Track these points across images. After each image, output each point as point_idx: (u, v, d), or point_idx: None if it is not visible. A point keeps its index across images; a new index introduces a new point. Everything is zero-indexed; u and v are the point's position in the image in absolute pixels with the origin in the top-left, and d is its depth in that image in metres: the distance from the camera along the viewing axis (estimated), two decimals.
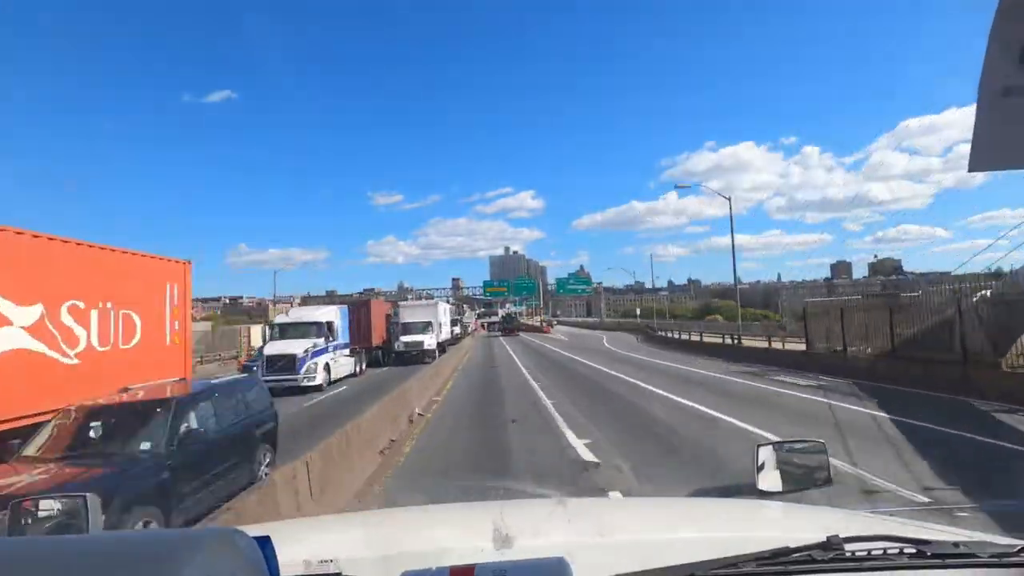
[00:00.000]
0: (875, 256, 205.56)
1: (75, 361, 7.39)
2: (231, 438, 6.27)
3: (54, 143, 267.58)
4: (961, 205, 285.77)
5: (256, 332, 30.43)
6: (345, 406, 14.16)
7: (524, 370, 22.51)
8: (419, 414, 12.86)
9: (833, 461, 8.62)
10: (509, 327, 64.30)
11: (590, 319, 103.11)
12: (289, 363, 16.85)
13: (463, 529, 1.80)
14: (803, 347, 21.86)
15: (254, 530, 0.96)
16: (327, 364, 18.25)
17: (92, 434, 5.43)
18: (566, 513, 1.92)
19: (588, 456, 8.24)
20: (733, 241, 27.45)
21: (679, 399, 13.17)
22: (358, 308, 25.33)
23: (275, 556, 0.77)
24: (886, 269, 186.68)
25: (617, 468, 7.56)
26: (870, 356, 16.66)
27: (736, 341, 26.65)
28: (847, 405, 11.76)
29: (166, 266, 9.33)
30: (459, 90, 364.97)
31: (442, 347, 30.52)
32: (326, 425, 10.79)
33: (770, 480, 1.97)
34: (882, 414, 10.76)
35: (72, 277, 7.54)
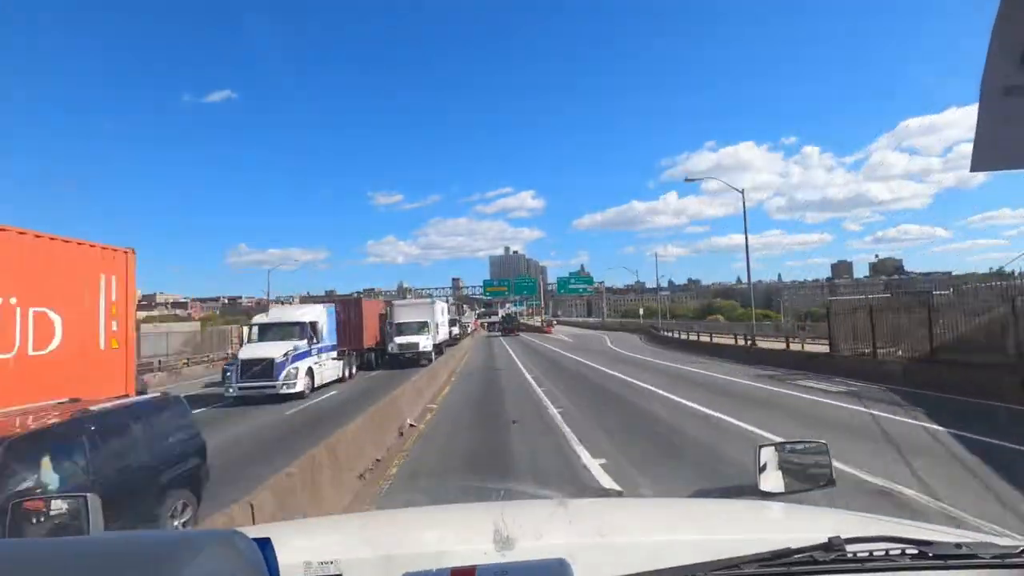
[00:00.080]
0: (876, 256, 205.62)
1: None
2: (118, 490, 4.34)
3: (54, 143, 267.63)
4: (961, 205, 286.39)
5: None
6: (328, 416, 12.80)
7: (526, 373, 21.22)
8: (411, 425, 11.52)
9: (905, 491, 6.56)
10: (509, 327, 63.73)
11: (591, 319, 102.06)
12: (266, 368, 15.13)
13: (464, 530, 1.78)
14: (825, 349, 20.60)
15: (254, 532, 1.00)
16: (310, 368, 16.65)
17: None
18: (567, 514, 1.90)
19: (612, 485, 6.88)
20: (747, 237, 26.12)
21: (706, 410, 11.73)
22: (348, 307, 23.76)
23: (275, 558, 0.78)
24: (888, 269, 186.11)
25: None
26: (903, 359, 15.32)
27: (750, 342, 25.25)
28: (892, 416, 10.45)
29: (100, 255, 7.81)
30: (459, 90, 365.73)
31: (439, 348, 28.90)
32: (299, 441, 9.44)
33: (772, 481, 1.96)
34: (937, 427, 9.44)
35: None
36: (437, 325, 28.65)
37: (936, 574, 1.08)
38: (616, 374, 19.57)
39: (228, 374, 15.56)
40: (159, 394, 5.93)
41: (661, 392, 14.49)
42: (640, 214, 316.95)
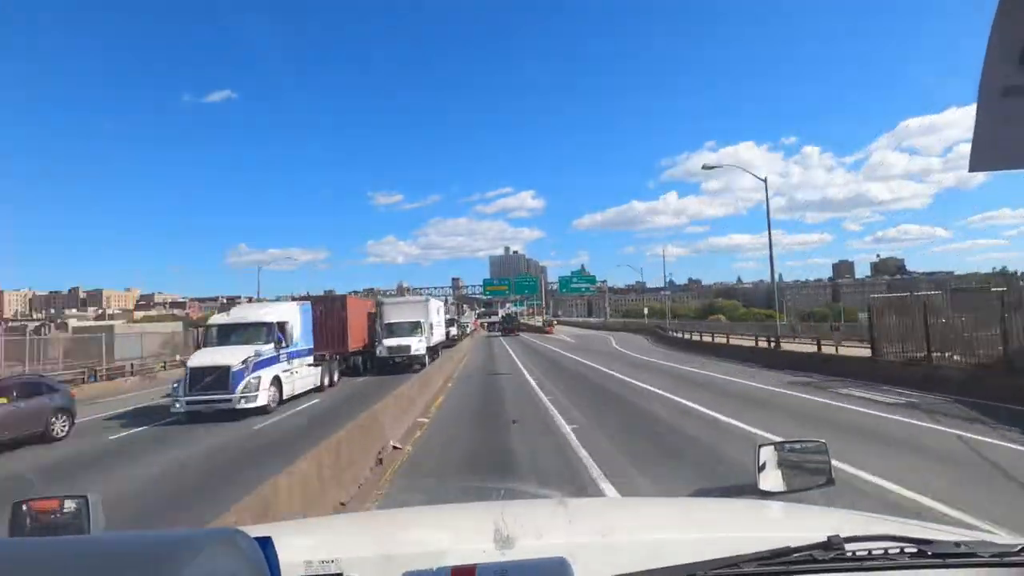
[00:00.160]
0: (877, 256, 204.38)
1: None
2: None
3: (54, 143, 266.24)
4: (961, 205, 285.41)
5: None
6: (290, 439, 10.54)
7: (530, 378, 19.16)
8: (395, 447, 9.47)
9: None
10: (509, 327, 63.46)
11: (592, 319, 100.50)
12: (221, 378, 12.68)
13: (464, 529, 1.77)
14: (860, 352, 18.58)
15: (255, 530, 0.97)
16: (277, 378, 14.12)
17: None
18: (567, 513, 1.91)
19: None
20: (770, 229, 23.97)
21: (750, 428, 9.64)
22: (329, 306, 21.14)
23: (276, 556, 0.77)
24: (889, 269, 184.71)
25: None
26: (968, 366, 13.24)
27: (774, 344, 23.15)
28: (986, 438, 8.42)
29: None
30: (459, 90, 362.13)
31: (435, 351, 26.65)
32: (227, 488, 7.27)
33: (771, 480, 1.95)
34: None
35: None
36: (432, 325, 26.08)
37: (936, 572, 1.07)
38: (634, 381, 17.35)
39: (175, 386, 13.16)
40: None
41: (692, 405, 12.34)
42: (640, 214, 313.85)
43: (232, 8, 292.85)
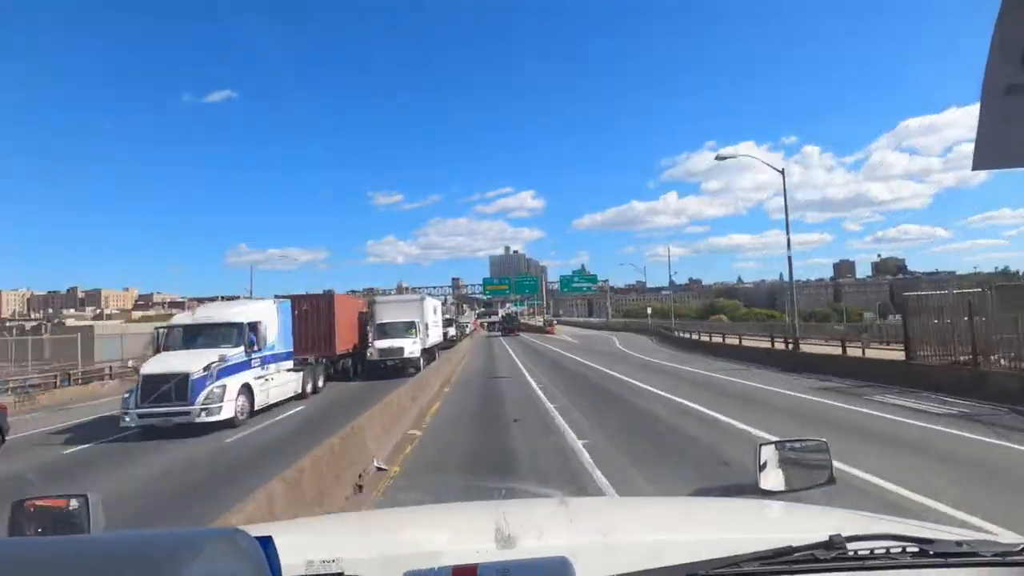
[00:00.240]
0: (878, 256, 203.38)
1: None
2: None
3: (54, 143, 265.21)
4: (961, 205, 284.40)
5: None
6: (254, 462, 9.00)
7: (532, 381, 17.76)
8: (378, 468, 8.11)
9: None
10: (509, 327, 62.91)
11: (593, 319, 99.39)
12: (179, 387, 11.05)
13: (465, 529, 1.75)
14: (890, 354, 17.17)
15: (256, 530, 0.95)
16: (247, 386, 12.32)
17: None
18: (568, 513, 1.89)
19: None
20: (787, 221, 22.40)
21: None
22: (314, 303, 19.39)
23: (277, 556, 0.76)
24: (890, 269, 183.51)
25: None
26: (1019, 371, 11.86)
27: (791, 346, 21.71)
28: None
29: None
30: (459, 90, 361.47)
31: (431, 353, 25.11)
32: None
33: (772, 479, 1.92)
34: None
35: None
36: (427, 326, 24.47)
37: (937, 572, 1.06)
38: (643, 385, 15.94)
39: (127, 396, 11.43)
40: None
41: (717, 416, 10.89)
42: (640, 214, 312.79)
43: (232, 8, 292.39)
